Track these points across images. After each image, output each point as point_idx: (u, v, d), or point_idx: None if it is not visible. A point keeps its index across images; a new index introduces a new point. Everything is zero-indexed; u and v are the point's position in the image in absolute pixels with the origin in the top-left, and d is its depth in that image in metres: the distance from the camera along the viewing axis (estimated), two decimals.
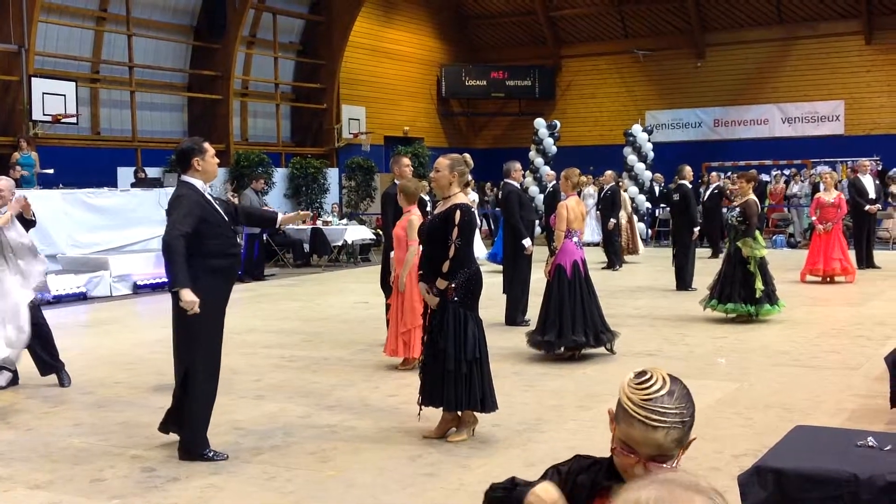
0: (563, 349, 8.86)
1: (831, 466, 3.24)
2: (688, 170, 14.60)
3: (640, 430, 1.98)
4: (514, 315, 10.98)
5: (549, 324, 8.77)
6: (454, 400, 6.10)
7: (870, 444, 3.45)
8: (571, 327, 8.68)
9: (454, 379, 6.06)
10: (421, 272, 6.34)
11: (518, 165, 11.32)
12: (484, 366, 6.19)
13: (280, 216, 6.68)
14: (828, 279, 14.65)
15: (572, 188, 9.08)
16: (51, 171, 16.20)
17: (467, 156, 6.52)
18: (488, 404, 6.19)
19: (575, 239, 8.82)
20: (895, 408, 5.94)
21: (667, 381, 2.02)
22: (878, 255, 17.11)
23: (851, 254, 15.55)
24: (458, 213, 6.13)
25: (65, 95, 17.36)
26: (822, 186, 15.93)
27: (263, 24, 23.32)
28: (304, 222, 20.07)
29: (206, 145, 6.03)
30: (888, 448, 3.39)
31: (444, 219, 6.18)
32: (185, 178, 5.94)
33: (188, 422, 5.83)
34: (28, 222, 7.94)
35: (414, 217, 8.28)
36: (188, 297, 5.52)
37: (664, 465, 1.97)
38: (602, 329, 8.90)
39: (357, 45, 24.99)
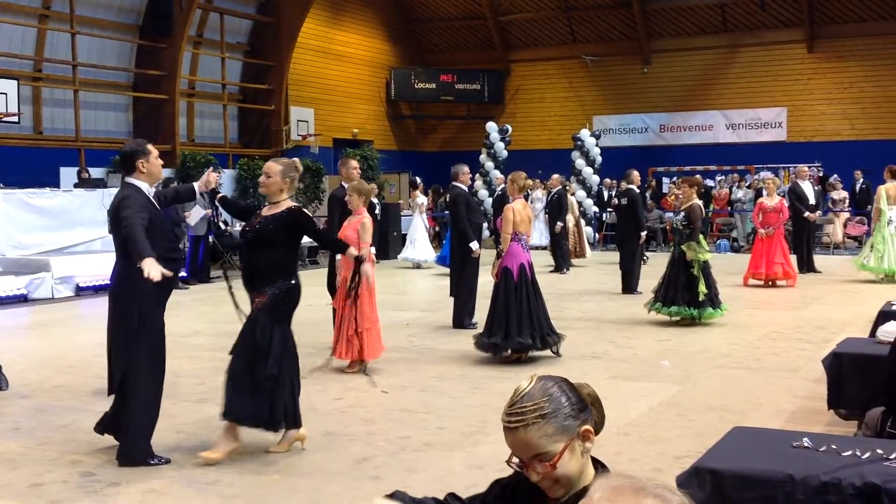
0: (509, 351, 8.90)
1: (767, 467, 3.30)
2: (635, 174, 14.81)
3: (508, 436, 2.11)
4: (462, 318, 11.00)
5: (496, 326, 8.81)
6: (253, 415, 5.79)
7: (805, 444, 3.52)
8: (518, 329, 8.73)
9: (257, 393, 5.75)
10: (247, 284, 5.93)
11: (466, 169, 11.36)
12: (287, 382, 5.87)
13: (196, 185, 6.35)
14: (770, 283, 14.90)
15: (518, 191, 9.13)
16: None
17: (297, 161, 6.28)
18: (290, 422, 5.90)
19: (521, 242, 8.88)
20: (832, 409, 6.06)
21: (529, 383, 2.14)
22: (819, 260, 17.45)
23: (793, 258, 15.83)
24: (304, 211, 5.99)
25: (6, 94, 17.01)
26: (764, 192, 16.21)
27: (210, 23, 23.09)
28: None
29: (150, 147, 5.97)
30: (823, 449, 3.46)
31: (280, 223, 5.88)
32: (130, 179, 5.88)
33: (130, 431, 5.73)
34: None
35: (367, 219, 8.29)
36: (152, 264, 5.24)
37: (548, 464, 2.05)
38: (548, 331, 8.96)
39: (305, 47, 24.87)
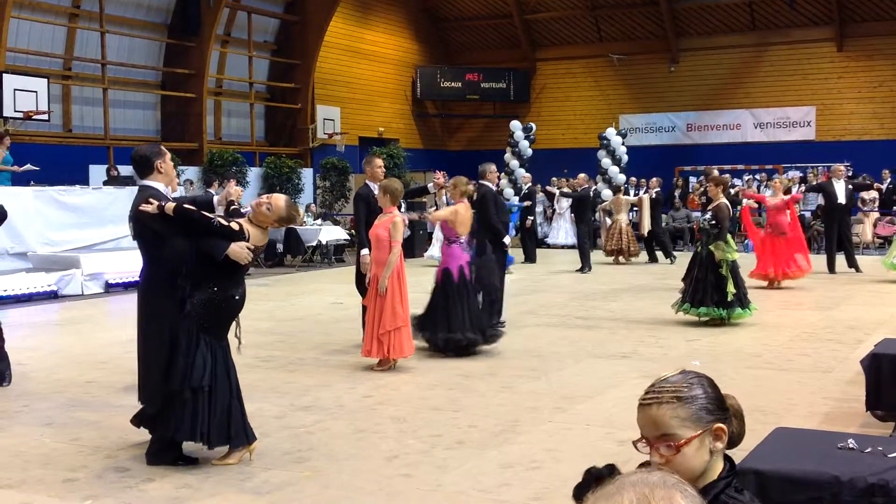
0: (451, 346, 9.08)
1: (813, 468, 3.25)
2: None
3: (640, 415, 2.08)
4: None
5: (440, 324, 9.03)
6: (172, 427, 5.54)
7: (850, 445, 3.47)
8: (461, 327, 9.00)
9: (176, 404, 5.53)
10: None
11: (493, 167, 11.31)
12: (216, 398, 5.55)
13: (215, 197, 6.26)
14: (774, 284, 14.61)
15: (460, 196, 9.36)
16: (36, 167, 15.74)
17: (298, 215, 6.31)
18: (213, 439, 5.56)
19: (462, 244, 9.19)
20: (870, 411, 5.98)
21: (675, 371, 2.13)
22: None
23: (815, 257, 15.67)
24: (229, 226, 5.73)
25: (36, 92, 17.14)
26: (769, 191, 15.97)
27: (238, 22, 23.19)
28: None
29: (164, 148, 6.08)
30: (868, 450, 3.41)
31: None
32: (147, 182, 5.90)
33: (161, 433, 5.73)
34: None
35: (398, 218, 8.28)
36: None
37: (671, 445, 2.02)
38: (488, 326, 9.31)
39: (332, 46, 24.92)
